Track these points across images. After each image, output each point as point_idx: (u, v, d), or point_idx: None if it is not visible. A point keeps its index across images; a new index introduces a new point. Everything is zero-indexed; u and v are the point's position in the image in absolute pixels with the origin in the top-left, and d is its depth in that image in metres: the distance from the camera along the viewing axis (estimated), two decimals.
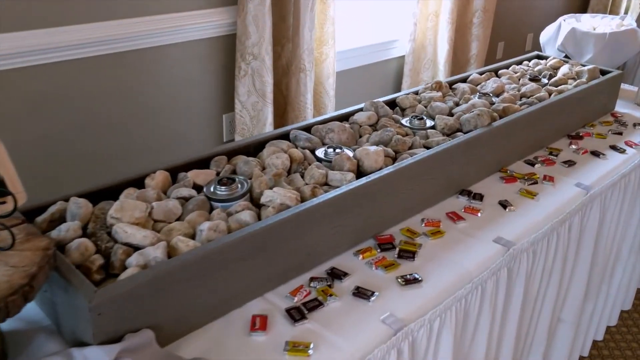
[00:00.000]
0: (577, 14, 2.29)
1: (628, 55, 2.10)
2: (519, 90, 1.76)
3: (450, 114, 1.55)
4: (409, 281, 1.07)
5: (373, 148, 1.23)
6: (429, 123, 1.48)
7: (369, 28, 3.06)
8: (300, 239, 1.04)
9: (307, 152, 1.27)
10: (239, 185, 1.10)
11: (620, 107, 2.07)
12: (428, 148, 1.35)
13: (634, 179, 1.69)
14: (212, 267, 0.92)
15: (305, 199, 1.09)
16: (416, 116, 1.49)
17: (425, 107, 1.58)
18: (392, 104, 1.60)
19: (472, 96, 1.68)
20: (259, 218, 1.03)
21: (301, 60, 2.39)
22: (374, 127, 1.45)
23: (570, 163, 1.60)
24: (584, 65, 1.99)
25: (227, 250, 0.92)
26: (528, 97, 1.73)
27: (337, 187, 1.14)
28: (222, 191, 1.08)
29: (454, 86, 1.76)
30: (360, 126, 1.44)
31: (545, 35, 2.26)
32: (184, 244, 0.92)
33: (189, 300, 0.91)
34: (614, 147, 1.72)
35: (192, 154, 1.21)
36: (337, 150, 1.28)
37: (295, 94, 2.46)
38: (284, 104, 2.55)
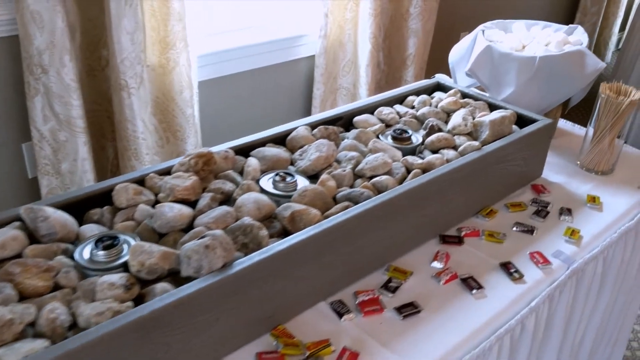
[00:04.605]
0: (508, 21, 1.55)
1: (569, 91, 1.37)
2: (355, 166, 1.06)
3: (190, 228, 0.88)
4: None
5: None
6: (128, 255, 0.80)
7: (266, 19, 2.35)
8: None
9: None
10: None
11: (554, 171, 1.36)
12: (82, 330, 0.69)
13: (534, 327, 1.00)
14: None
15: None
16: (108, 239, 0.81)
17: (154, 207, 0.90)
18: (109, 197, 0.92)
19: (260, 183, 0.99)
20: None
21: (119, 74, 1.70)
22: None
23: (409, 312, 0.91)
24: (495, 108, 1.28)
25: None
26: (368, 179, 1.04)
27: None
28: None
29: (252, 153, 1.07)
30: None
31: (456, 53, 1.53)
32: None
33: None
34: (505, 267, 1.03)
35: None
36: None
37: (120, 120, 1.78)
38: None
